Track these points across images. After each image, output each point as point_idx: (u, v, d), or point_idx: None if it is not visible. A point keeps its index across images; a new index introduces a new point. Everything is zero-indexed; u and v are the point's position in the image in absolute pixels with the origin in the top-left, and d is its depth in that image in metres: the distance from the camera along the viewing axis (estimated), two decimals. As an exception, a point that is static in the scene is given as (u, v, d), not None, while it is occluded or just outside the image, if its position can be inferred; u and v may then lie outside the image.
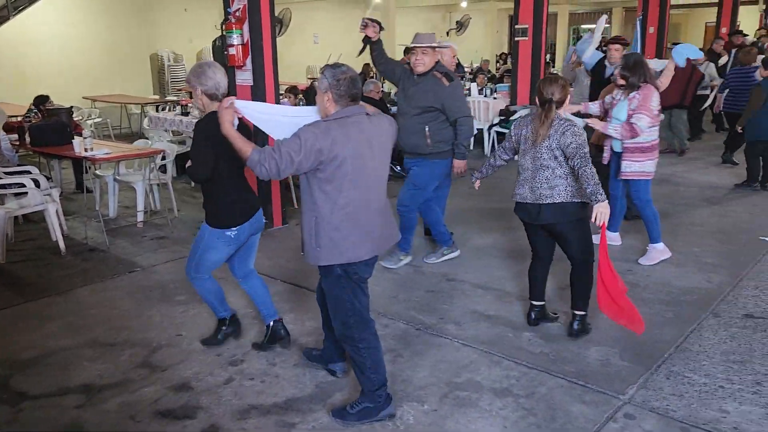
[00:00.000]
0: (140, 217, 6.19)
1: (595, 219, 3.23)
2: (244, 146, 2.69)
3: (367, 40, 4.67)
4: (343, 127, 2.62)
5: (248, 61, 5.66)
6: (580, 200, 3.46)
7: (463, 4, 18.83)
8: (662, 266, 4.78)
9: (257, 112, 3.05)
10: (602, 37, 7.18)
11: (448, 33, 19.33)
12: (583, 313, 3.72)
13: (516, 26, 9.52)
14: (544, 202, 3.48)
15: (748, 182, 6.97)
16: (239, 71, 5.72)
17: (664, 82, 5.26)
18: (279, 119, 3.06)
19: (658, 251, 4.88)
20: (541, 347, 3.60)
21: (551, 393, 3.13)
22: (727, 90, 8.08)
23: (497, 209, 6.23)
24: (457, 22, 19.65)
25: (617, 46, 5.84)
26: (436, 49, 4.64)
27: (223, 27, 5.67)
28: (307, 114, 2.98)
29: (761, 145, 6.81)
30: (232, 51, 5.60)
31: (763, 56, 7.24)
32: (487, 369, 3.37)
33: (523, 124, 3.62)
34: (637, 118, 4.50)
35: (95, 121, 10.77)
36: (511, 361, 3.45)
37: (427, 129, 4.52)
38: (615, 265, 3.43)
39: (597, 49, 6.47)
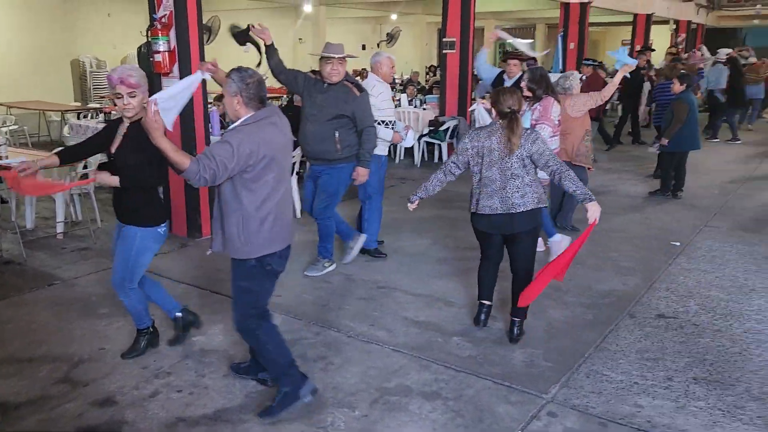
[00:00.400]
0: (60, 228, 5.92)
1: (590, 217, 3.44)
2: (182, 158, 2.68)
3: (266, 47, 4.70)
4: (264, 129, 2.76)
5: (175, 68, 5.55)
6: (543, 205, 3.66)
7: (393, 17, 19.12)
8: (583, 271, 5.01)
9: (167, 101, 2.97)
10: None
11: (378, 44, 19.55)
12: (521, 318, 3.84)
13: (444, 39, 9.76)
14: (517, 211, 3.55)
15: (662, 191, 7.41)
16: (165, 79, 5.60)
17: (605, 94, 5.75)
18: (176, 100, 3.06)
19: (557, 243, 5.17)
20: (469, 351, 3.70)
21: (479, 395, 3.22)
22: (654, 104, 8.59)
23: (428, 218, 6.35)
24: (387, 33, 19.91)
25: (515, 61, 6.13)
26: (377, 60, 4.94)
27: (149, 33, 5.54)
28: (189, 83, 3.06)
29: (678, 156, 7.27)
30: (158, 58, 5.47)
31: (682, 71, 7.75)
32: (416, 373, 3.44)
33: (483, 136, 3.58)
34: (540, 128, 4.79)
35: (11, 128, 10.24)
36: (440, 365, 3.53)
37: (337, 135, 4.63)
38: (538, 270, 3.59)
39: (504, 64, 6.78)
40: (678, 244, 5.66)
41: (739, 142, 11.53)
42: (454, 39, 9.64)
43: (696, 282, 4.76)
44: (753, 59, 13.63)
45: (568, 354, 3.65)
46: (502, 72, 6.19)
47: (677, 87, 7.12)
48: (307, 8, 15.17)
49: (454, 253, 5.43)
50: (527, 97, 4.90)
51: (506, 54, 6.63)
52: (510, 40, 6.48)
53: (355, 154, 4.72)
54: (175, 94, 2.99)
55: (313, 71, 5.24)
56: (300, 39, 18.41)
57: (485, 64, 6.36)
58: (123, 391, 3.23)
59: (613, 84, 5.99)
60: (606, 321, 4.10)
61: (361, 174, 4.75)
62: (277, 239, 2.91)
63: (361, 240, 5.12)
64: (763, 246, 5.59)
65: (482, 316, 3.98)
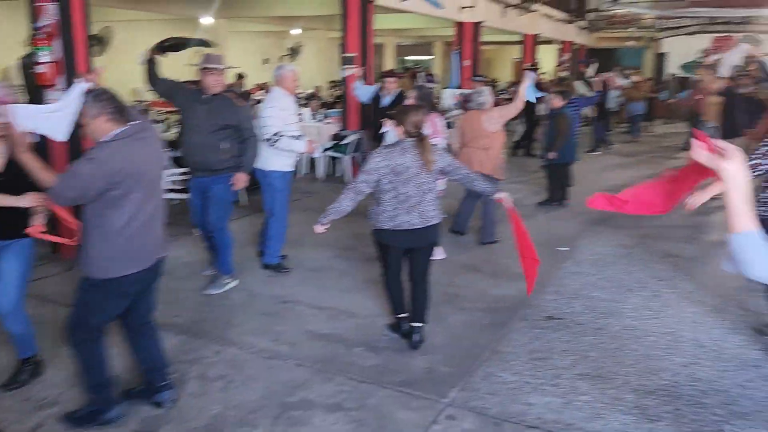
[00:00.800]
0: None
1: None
2: (46, 175, 2.61)
3: (150, 61, 4.68)
4: (130, 146, 2.71)
5: (60, 80, 5.27)
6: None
7: (295, 31, 19.11)
8: (480, 277, 5.23)
9: (27, 118, 2.91)
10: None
11: (281, 58, 19.45)
12: (423, 324, 3.93)
13: (344, 55, 9.89)
14: (432, 223, 3.73)
15: (549, 200, 7.88)
16: (50, 91, 5.30)
17: (518, 106, 5.99)
18: (46, 116, 3.01)
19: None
20: (371, 360, 3.77)
21: (380, 403, 3.29)
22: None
23: (331, 231, 6.36)
24: (289, 48, 19.86)
25: (392, 78, 6.40)
26: (281, 74, 5.01)
27: (31, 43, 5.23)
28: (65, 106, 2.99)
29: (563, 168, 7.77)
30: (41, 69, 5.19)
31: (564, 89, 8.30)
32: (319, 386, 3.45)
33: (396, 154, 3.61)
34: (435, 142, 5.01)
35: None
36: (343, 376, 3.56)
37: (224, 145, 4.65)
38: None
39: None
40: (565, 249, 6.04)
41: (599, 152, 12.41)
42: (354, 54, 9.80)
43: (581, 284, 5.10)
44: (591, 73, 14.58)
45: (466, 358, 3.80)
46: (379, 89, 6.43)
47: (557, 103, 7.61)
48: (206, 21, 14.86)
49: (357, 265, 5.50)
50: None
51: (383, 72, 6.90)
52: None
53: (238, 164, 4.77)
54: (55, 109, 2.91)
55: (191, 81, 5.21)
56: (199, 51, 17.98)
57: (361, 86, 6.62)
58: (0, 426, 3.02)
59: (521, 99, 6.22)
60: (501, 324, 4.31)
61: (241, 180, 4.79)
62: (140, 258, 2.86)
63: (235, 282, 4.99)
64: (638, 249, 6.09)
65: (406, 326, 3.96)
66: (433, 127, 5.16)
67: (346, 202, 3.70)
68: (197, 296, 4.73)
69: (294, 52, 19.88)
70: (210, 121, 4.61)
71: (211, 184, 4.71)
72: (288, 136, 4.93)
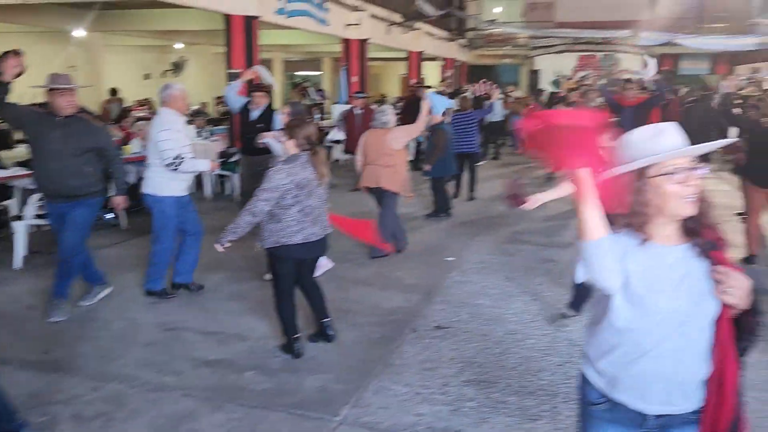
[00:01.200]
0: None
1: None
2: None
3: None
4: None
5: None
6: None
7: (177, 46, 18.50)
8: (371, 292, 5.30)
9: None
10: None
11: (164, 73, 18.76)
12: (329, 318, 4.19)
13: (229, 71, 9.72)
14: (328, 231, 3.94)
15: (436, 212, 8.15)
16: None
17: (421, 125, 6.17)
18: None
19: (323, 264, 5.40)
20: (263, 384, 3.70)
21: (273, 428, 3.23)
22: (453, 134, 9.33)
23: (220, 253, 6.21)
24: (172, 63, 19.21)
25: (261, 93, 6.45)
26: (170, 94, 4.81)
27: None
28: None
29: (446, 180, 8.06)
30: None
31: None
32: (208, 416, 3.34)
33: (298, 169, 3.69)
34: None
35: None
36: (233, 403, 3.47)
37: (87, 169, 4.50)
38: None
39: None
40: (452, 259, 6.26)
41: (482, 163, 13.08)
42: (240, 70, 9.65)
43: (467, 293, 5.31)
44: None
45: (358, 373, 3.82)
46: (248, 102, 6.42)
47: (437, 118, 7.92)
48: (79, 34, 14.04)
49: (247, 286, 5.38)
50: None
51: (252, 86, 6.90)
52: (263, 74, 7.01)
53: (103, 188, 4.66)
54: None
55: (38, 104, 4.95)
56: (72, 66, 16.93)
57: (234, 95, 6.57)
58: None
59: (424, 116, 6.35)
60: (392, 337, 4.38)
61: (119, 202, 4.75)
62: None
63: (109, 289, 4.87)
64: (518, 256, 6.43)
65: (301, 346, 4.03)
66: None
67: (244, 224, 3.74)
68: (72, 329, 4.43)
69: (178, 67, 19.26)
70: (69, 145, 4.39)
71: (71, 209, 4.49)
72: (189, 157, 4.79)
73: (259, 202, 3.67)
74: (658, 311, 1.67)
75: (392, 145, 6.05)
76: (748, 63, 20.72)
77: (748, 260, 6.01)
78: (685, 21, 20.35)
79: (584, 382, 1.90)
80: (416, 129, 6.29)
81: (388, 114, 6.28)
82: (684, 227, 1.71)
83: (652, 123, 1.80)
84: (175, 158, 4.66)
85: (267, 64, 19.67)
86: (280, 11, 10.63)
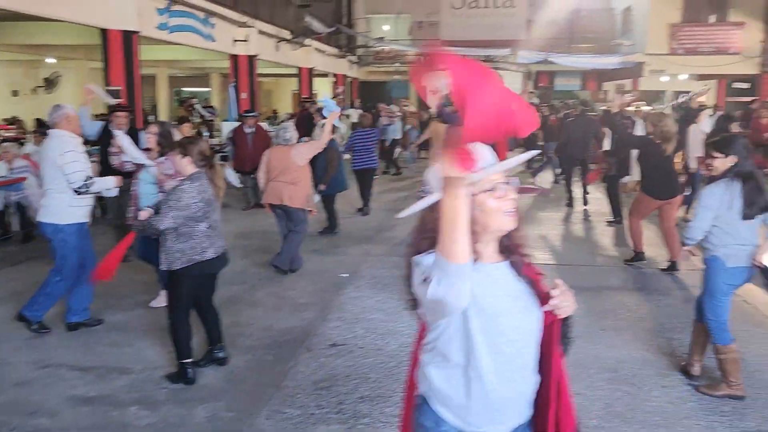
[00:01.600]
0: None
1: None
2: None
3: None
4: None
5: None
6: None
7: (49, 60, 17.31)
8: (263, 312, 5.20)
9: None
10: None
11: (34, 91, 17.49)
12: (222, 343, 4.16)
13: (108, 88, 9.24)
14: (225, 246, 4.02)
15: (329, 229, 8.15)
16: None
17: (324, 141, 6.25)
18: None
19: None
20: (147, 419, 3.51)
21: (159, 463, 3.08)
22: (353, 151, 9.33)
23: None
24: (45, 79, 17.94)
25: (123, 113, 6.30)
26: (63, 114, 4.52)
27: None
28: None
29: (333, 197, 8.11)
30: None
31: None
32: (87, 458, 3.13)
33: (205, 186, 3.77)
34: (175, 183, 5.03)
35: None
36: (115, 441, 3.27)
37: None
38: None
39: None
40: (346, 275, 6.29)
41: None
42: (120, 87, 9.21)
43: (362, 308, 5.34)
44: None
45: (250, 400, 3.73)
46: (107, 123, 6.23)
47: (326, 136, 7.97)
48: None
49: (127, 315, 5.10)
50: (150, 149, 5.10)
51: (111, 107, 6.68)
52: (100, 93, 6.86)
53: None
54: None
55: None
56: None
57: (87, 121, 6.32)
58: None
59: (327, 132, 6.41)
60: (286, 358, 4.31)
61: None
62: None
63: None
64: (412, 269, 6.55)
65: (194, 371, 3.93)
66: (176, 167, 5.08)
67: (151, 231, 3.78)
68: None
69: (50, 83, 18.03)
70: None
71: None
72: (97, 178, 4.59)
73: (166, 220, 3.66)
74: (500, 332, 1.68)
75: (296, 161, 6.09)
76: (613, 80, 22.59)
77: (637, 258, 6.49)
78: (558, 41, 21.85)
79: (424, 408, 1.81)
80: (319, 144, 6.41)
81: (291, 130, 6.39)
82: (500, 245, 1.75)
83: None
84: (86, 180, 4.46)
85: (151, 80, 18.94)
86: (162, 26, 10.26)
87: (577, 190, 9.85)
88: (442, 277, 1.50)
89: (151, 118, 18.00)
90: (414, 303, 1.78)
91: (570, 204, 9.84)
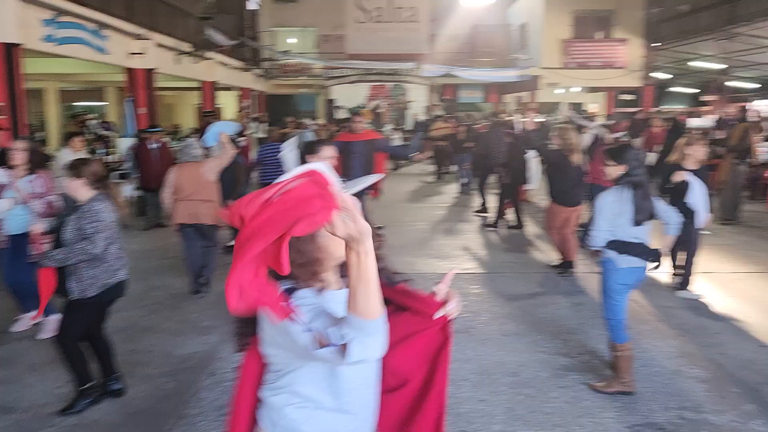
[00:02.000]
0: None
1: None
2: None
3: None
4: None
5: None
6: None
7: None
8: (161, 338, 4.96)
9: None
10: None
11: None
12: (118, 373, 3.96)
13: (-13, 104, 8.58)
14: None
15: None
16: None
17: (230, 154, 6.17)
18: None
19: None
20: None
21: None
22: (261, 164, 9.07)
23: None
24: None
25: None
26: None
27: None
28: None
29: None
30: None
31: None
32: None
33: (110, 206, 3.68)
34: (50, 200, 4.74)
35: None
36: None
37: None
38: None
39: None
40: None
41: None
42: (3, 103, 8.57)
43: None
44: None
45: (148, 431, 3.54)
46: None
47: (231, 151, 7.83)
48: None
49: (10, 349, 4.72)
50: (14, 166, 4.77)
51: None
52: None
53: None
54: None
55: None
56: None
57: None
58: None
59: (229, 146, 6.43)
60: (187, 386, 4.13)
61: None
62: None
63: None
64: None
65: (95, 394, 3.81)
66: (49, 184, 4.90)
67: (78, 259, 3.56)
68: None
69: None
70: None
71: None
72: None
73: (98, 243, 3.53)
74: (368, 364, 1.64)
75: (208, 177, 5.96)
76: (513, 92, 23.62)
77: (565, 266, 6.67)
78: (460, 55, 22.58)
79: None
80: (226, 158, 6.29)
81: (197, 147, 6.26)
82: (339, 271, 1.69)
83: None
84: None
85: (38, 94, 17.76)
86: (48, 38, 9.65)
87: (490, 198, 10.06)
88: (362, 338, 1.40)
89: (39, 135, 16.94)
90: (244, 341, 1.71)
91: (484, 210, 10.09)
